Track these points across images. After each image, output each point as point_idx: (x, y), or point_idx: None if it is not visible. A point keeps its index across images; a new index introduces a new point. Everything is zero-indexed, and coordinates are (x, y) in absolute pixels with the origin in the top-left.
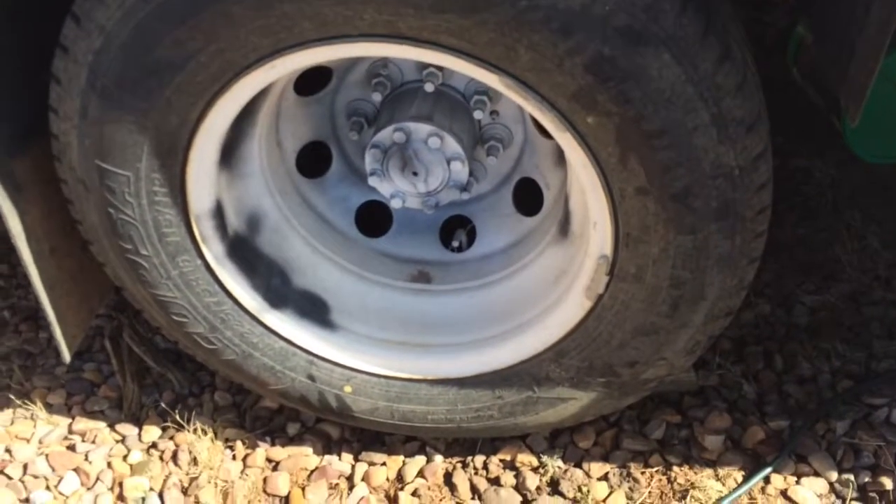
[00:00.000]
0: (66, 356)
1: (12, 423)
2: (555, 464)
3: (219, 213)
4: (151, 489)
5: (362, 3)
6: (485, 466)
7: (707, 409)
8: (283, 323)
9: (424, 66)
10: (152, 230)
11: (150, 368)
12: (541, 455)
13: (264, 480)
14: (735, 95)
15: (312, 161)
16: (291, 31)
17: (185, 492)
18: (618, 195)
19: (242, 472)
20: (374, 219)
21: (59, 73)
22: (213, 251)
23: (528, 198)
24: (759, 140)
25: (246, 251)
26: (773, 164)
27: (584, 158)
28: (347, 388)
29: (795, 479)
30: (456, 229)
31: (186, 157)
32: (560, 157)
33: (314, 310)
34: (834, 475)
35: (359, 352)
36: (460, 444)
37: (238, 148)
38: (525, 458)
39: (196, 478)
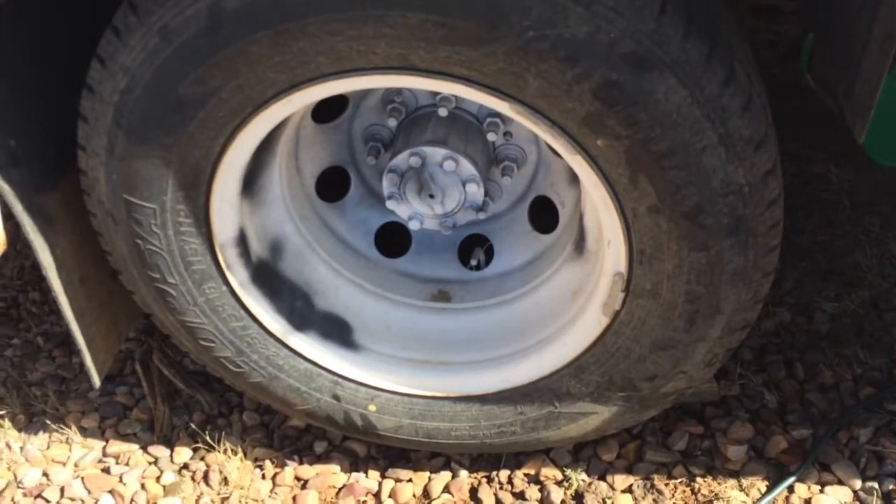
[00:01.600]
0: (97, 382)
1: (48, 447)
2: (579, 477)
3: (242, 240)
4: None
5: (375, 38)
6: (509, 481)
7: (729, 419)
8: (308, 345)
9: (437, 91)
10: (179, 259)
11: (179, 390)
12: (565, 469)
13: (294, 499)
14: (741, 115)
15: (331, 185)
16: (307, 67)
17: None
18: (630, 214)
19: (272, 490)
20: (393, 239)
21: (87, 112)
22: (238, 277)
23: (543, 216)
24: (768, 157)
25: (269, 276)
26: (785, 177)
27: (596, 179)
28: (372, 407)
29: (819, 488)
30: (474, 248)
31: (210, 189)
32: (574, 176)
33: (337, 331)
34: (858, 483)
35: (382, 371)
36: (485, 459)
37: (259, 176)
38: (549, 472)
39: (227, 497)
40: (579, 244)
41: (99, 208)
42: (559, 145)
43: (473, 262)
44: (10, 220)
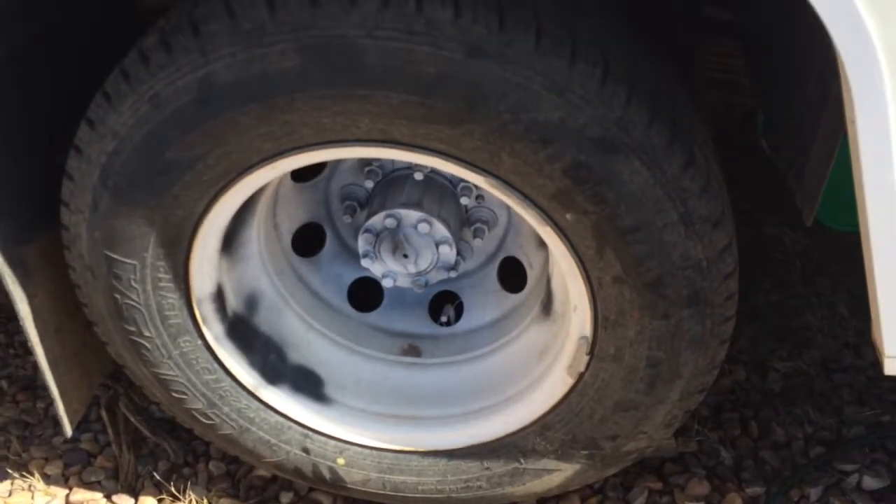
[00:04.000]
0: (68, 431)
1: (10, 494)
2: None
3: (219, 295)
4: None
5: (359, 114)
6: None
7: (687, 475)
8: (279, 398)
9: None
10: (155, 313)
11: (145, 438)
12: None
13: None
14: (700, 196)
15: (307, 241)
16: (292, 137)
17: None
18: (596, 283)
19: None
20: (365, 294)
21: (73, 171)
22: (213, 332)
23: (513, 276)
24: (725, 235)
25: (244, 330)
26: (740, 238)
27: (565, 250)
28: (341, 461)
29: None
30: (444, 304)
31: (191, 247)
32: (542, 239)
33: (309, 384)
34: None
35: (352, 425)
36: None
37: (239, 234)
38: None
39: None
40: (546, 306)
41: (78, 262)
42: (530, 217)
43: (444, 319)
44: None
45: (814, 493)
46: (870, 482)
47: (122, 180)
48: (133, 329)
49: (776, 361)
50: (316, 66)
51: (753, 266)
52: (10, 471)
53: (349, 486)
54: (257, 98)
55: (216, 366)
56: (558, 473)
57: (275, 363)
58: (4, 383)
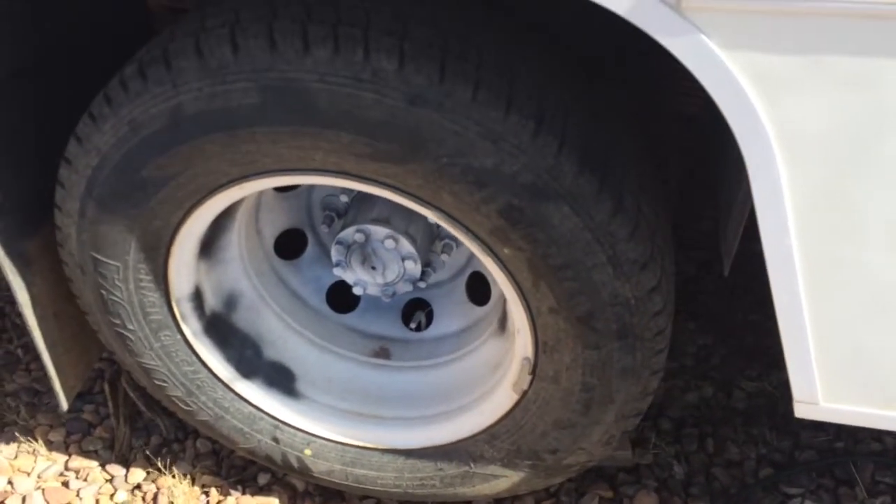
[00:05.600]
0: (64, 405)
1: (16, 456)
2: None
3: (197, 296)
4: None
5: (312, 149)
6: None
7: (637, 486)
8: (252, 391)
9: None
10: (138, 310)
11: (141, 413)
12: None
13: None
14: (628, 240)
15: (288, 244)
16: (255, 164)
17: None
18: (535, 311)
19: None
20: (343, 296)
21: (63, 180)
22: (192, 328)
23: (481, 289)
24: (653, 276)
25: (221, 327)
26: (668, 294)
27: (505, 279)
28: (307, 451)
29: None
30: (417, 310)
31: (168, 252)
32: None
33: (281, 379)
34: None
35: (319, 419)
36: None
37: (218, 239)
38: None
39: None
40: (502, 322)
41: (70, 259)
42: (474, 248)
43: (414, 325)
44: None
45: None
46: None
47: (105, 192)
48: (118, 322)
49: (743, 381)
50: (273, 104)
51: (737, 284)
52: (17, 434)
53: (315, 475)
54: (221, 129)
55: (194, 359)
56: (505, 479)
57: (250, 358)
58: (20, 352)
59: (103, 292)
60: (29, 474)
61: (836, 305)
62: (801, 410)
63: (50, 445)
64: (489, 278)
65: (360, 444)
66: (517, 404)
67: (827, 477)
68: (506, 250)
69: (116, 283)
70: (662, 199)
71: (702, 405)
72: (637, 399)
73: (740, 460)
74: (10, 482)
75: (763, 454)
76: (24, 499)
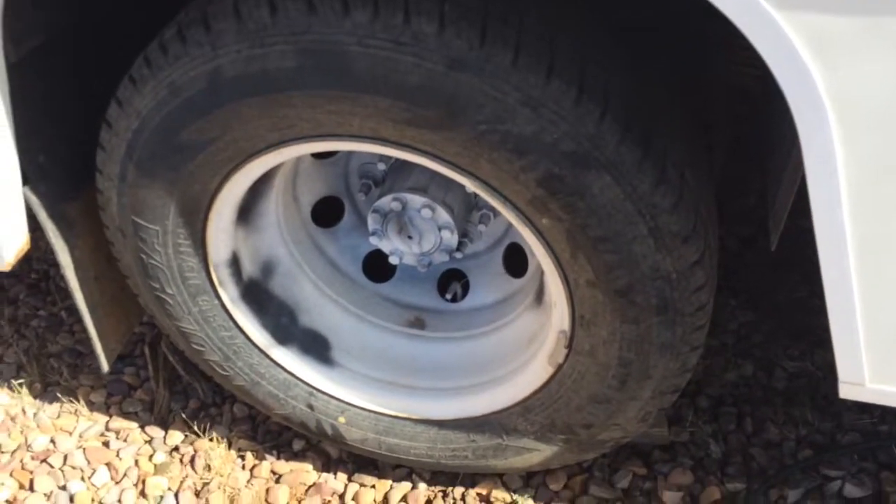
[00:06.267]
0: (105, 367)
1: (58, 416)
2: (525, 502)
3: (235, 261)
4: (169, 489)
5: (350, 114)
6: (463, 498)
7: (672, 464)
8: (288, 358)
9: None
10: (177, 274)
11: (180, 376)
12: (514, 492)
13: (267, 491)
14: (671, 212)
15: (325, 212)
16: (292, 129)
17: (197, 494)
18: (573, 283)
19: (249, 481)
20: (379, 265)
21: (104, 143)
22: (229, 294)
23: (518, 261)
24: (696, 249)
25: (258, 293)
26: (710, 269)
27: (543, 250)
28: (341, 419)
29: None
30: (452, 281)
31: (206, 217)
32: None
33: (316, 347)
34: None
35: (353, 388)
36: (444, 475)
37: (256, 205)
38: (499, 495)
39: (208, 483)
40: (539, 295)
41: (111, 223)
42: (512, 217)
43: (449, 295)
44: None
45: (793, 494)
46: (852, 490)
47: (145, 155)
48: (157, 286)
49: (785, 360)
50: (311, 68)
51: (781, 260)
52: (59, 395)
53: (349, 442)
54: (259, 92)
55: (231, 324)
56: (537, 453)
57: (286, 325)
58: (64, 314)
59: (143, 256)
60: (70, 433)
61: (888, 283)
62: (847, 391)
63: (91, 406)
64: (526, 249)
65: (394, 413)
66: (552, 378)
67: (869, 460)
68: (544, 220)
69: (156, 247)
70: (707, 169)
71: (741, 384)
72: (675, 375)
73: (779, 441)
74: (52, 441)
75: (803, 435)
76: (65, 457)
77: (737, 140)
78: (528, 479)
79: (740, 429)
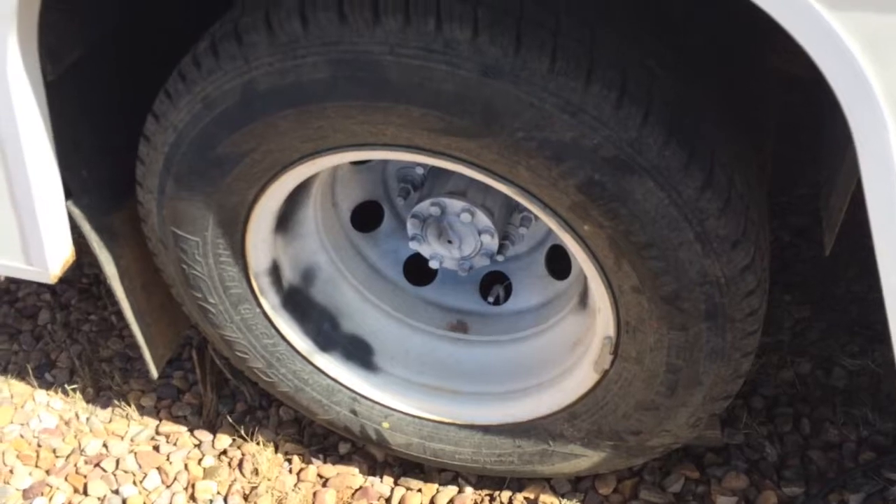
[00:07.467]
0: (154, 374)
1: (110, 420)
2: None
3: (275, 270)
4: (219, 493)
5: (384, 124)
6: (510, 502)
7: (726, 468)
8: (331, 364)
9: None
10: (218, 284)
11: (227, 380)
12: (562, 496)
13: (314, 495)
14: (719, 216)
15: (365, 216)
16: (326, 140)
17: (245, 498)
18: (617, 290)
19: (296, 485)
20: (420, 269)
21: (143, 157)
22: (271, 302)
23: (561, 262)
24: (746, 254)
25: (300, 300)
26: (762, 273)
27: (585, 256)
28: (385, 424)
29: None
30: (495, 283)
31: (245, 228)
32: None
33: (359, 352)
34: None
35: (397, 393)
36: (490, 479)
37: (294, 214)
38: (547, 499)
39: (256, 487)
40: (583, 298)
41: (152, 234)
42: (552, 224)
43: (492, 298)
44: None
45: (854, 499)
46: None
47: (182, 169)
48: (199, 295)
49: (844, 357)
50: (344, 78)
51: (841, 252)
52: (112, 399)
53: (393, 447)
54: (293, 104)
55: (273, 332)
56: (585, 459)
57: (328, 331)
58: (114, 318)
59: (184, 266)
60: (122, 438)
61: None
62: None
63: (142, 410)
64: (569, 252)
65: (438, 418)
66: (598, 384)
67: None
68: (586, 227)
69: (196, 257)
70: (757, 168)
71: (798, 383)
72: (727, 381)
73: (839, 442)
74: (104, 445)
75: (864, 436)
76: (117, 461)
77: (788, 127)
78: (577, 483)
79: (797, 430)
